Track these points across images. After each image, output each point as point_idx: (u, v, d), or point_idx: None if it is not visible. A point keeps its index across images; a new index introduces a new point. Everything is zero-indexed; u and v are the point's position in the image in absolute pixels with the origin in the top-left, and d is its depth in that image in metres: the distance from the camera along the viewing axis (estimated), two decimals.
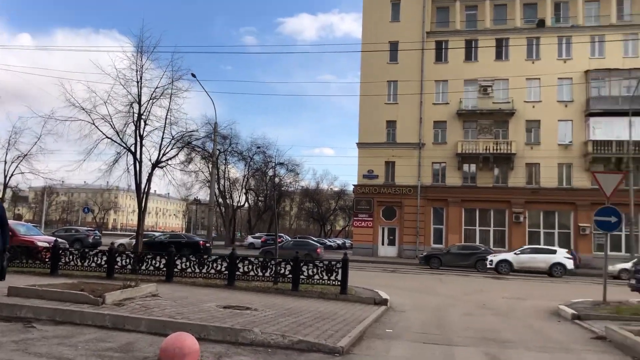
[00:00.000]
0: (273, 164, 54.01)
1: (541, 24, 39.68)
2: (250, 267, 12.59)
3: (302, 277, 12.20)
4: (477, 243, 35.53)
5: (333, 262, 12.21)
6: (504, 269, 27.11)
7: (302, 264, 12.20)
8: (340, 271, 12.03)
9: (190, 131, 15.63)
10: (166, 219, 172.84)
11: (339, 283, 12.00)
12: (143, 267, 13.33)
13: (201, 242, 32.56)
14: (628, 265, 28.22)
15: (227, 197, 61.16)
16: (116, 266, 13.40)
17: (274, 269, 12.45)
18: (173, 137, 15.43)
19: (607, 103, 37.20)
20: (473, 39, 40.78)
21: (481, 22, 40.88)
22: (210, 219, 40.48)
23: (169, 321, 6.95)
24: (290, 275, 12.20)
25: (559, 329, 9.75)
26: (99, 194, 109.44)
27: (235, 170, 62.50)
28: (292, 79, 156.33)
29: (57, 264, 13.37)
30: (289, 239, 50.02)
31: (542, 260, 27.60)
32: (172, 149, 15.55)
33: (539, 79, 39.13)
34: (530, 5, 40.54)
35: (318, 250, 31.84)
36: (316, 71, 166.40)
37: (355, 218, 41.90)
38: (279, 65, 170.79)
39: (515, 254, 28.52)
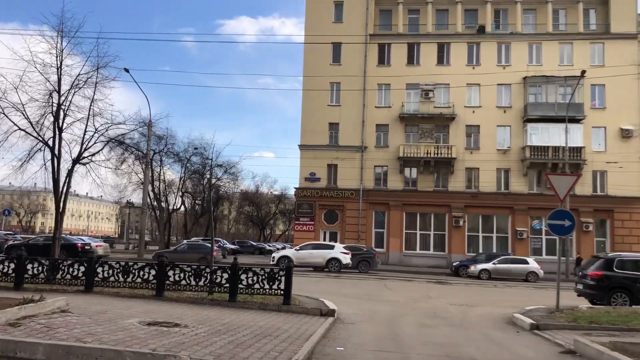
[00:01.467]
0: (210, 166, 51.89)
1: (481, 30, 40.14)
2: (181, 275, 11.24)
3: (240, 286, 10.99)
4: (364, 246, 34.73)
5: (275, 270, 11.06)
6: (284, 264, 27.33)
7: (240, 272, 10.97)
8: (283, 279, 10.90)
9: (117, 123, 13.99)
10: (98, 222, 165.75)
11: (282, 292, 10.87)
12: (59, 276, 11.69)
13: (79, 244, 28.85)
14: (489, 266, 29.69)
15: (163, 200, 58.63)
16: (27, 275, 11.69)
17: (208, 277, 11.16)
18: (97, 129, 13.74)
19: (544, 109, 37.99)
20: (415, 43, 40.72)
21: (423, 27, 40.90)
22: (143, 223, 38.31)
23: (74, 346, 5.61)
24: (227, 285, 10.95)
25: (522, 341, 9.05)
26: (26, 195, 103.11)
27: (171, 173, 60.03)
28: (233, 81, 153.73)
29: None
30: (227, 243, 48.39)
31: (320, 255, 28.10)
32: (95, 142, 13.85)
33: (479, 84, 39.51)
34: (471, 11, 40.97)
35: (215, 253, 30.48)
36: (256, 74, 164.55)
37: (296, 222, 40.83)
38: (219, 68, 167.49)
39: (295, 249, 29.82)
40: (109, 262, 11.62)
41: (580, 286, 15.65)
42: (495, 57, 39.71)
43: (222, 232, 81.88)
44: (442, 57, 40.44)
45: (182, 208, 63.02)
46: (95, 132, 13.76)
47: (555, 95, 38.19)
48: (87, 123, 13.62)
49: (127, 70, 31.00)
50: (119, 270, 11.39)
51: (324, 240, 39.07)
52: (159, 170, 55.29)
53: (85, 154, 13.93)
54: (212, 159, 28.98)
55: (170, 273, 11.24)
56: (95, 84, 13.57)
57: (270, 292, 10.97)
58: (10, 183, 13.98)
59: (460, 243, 38.27)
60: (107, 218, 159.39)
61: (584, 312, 11.52)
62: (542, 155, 37.63)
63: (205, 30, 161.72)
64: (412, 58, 40.70)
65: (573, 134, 35.21)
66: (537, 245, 38.16)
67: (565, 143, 34.04)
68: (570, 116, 34.23)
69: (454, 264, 32.65)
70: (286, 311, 10.46)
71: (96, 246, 33.47)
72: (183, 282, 11.19)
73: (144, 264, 11.51)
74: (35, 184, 15.59)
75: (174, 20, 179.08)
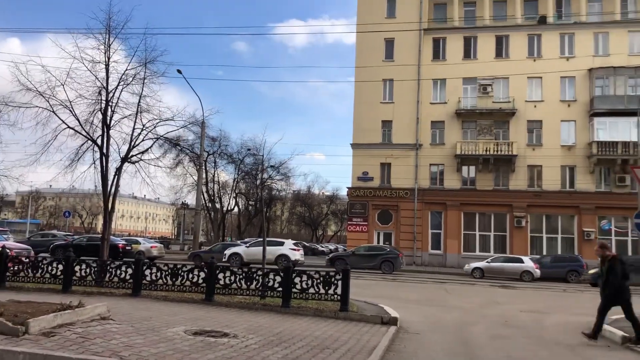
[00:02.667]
0: (261, 164, 51.54)
1: (542, 20, 38.05)
2: (232, 278, 10.59)
3: (294, 290, 10.24)
4: (387, 246, 34.01)
5: (331, 273, 10.24)
6: (236, 262, 27.00)
7: (294, 275, 10.22)
8: (340, 283, 10.07)
9: (166, 119, 13.54)
10: (156, 224, 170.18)
11: (339, 298, 10.03)
12: (106, 278, 11.30)
13: (120, 244, 29.03)
14: (482, 264, 28.75)
15: (217, 201, 59.10)
16: (75, 277, 11.36)
17: (260, 280, 10.46)
18: (144, 126, 13.33)
19: (612, 102, 35.57)
20: (472, 36, 39.07)
21: (480, 19, 39.18)
22: (198, 224, 38.52)
23: None
24: (280, 289, 10.23)
25: (617, 359, 7.86)
26: (88, 198, 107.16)
27: (225, 174, 60.48)
28: (283, 84, 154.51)
29: (4, 275, 11.30)
30: None
31: (269, 252, 26.20)
32: (144, 140, 13.46)
33: (541, 77, 37.47)
34: (531, 1, 38.89)
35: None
36: (307, 76, 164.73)
37: (349, 222, 39.94)
38: (270, 71, 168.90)
39: (246, 247, 29.78)
40: (158, 264, 11.11)
41: None
42: (557, 48, 37.55)
43: (274, 232, 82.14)
44: (500, 50, 38.61)
45: (236, 209, 63.56)
46: (142, 129, 13.34)
47: (625, 87, 35.70)
48: (135, 120, 13.24)
49: (179, 72, 31.07)
50: (167, 272, 10.87)
51: (378, 242, 38.09)
52: (213, 171, 55.94)
53: (134, 152, 13.55)
54: (263, 156, 28.41)
55: (221, 276, 10.62)
56: (143, 80, 13.16)
57: (326, 297, 10.16)
58: (72, 186, 13.74)
59: (522, 244, 36.33)
60: (164, 219, 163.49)
61: None
62: (610, 151, 35.23)
63: (256, 35, 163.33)
64: (468, 52, 39.08)
65: None
66: None
67: (637, 138, 31.69)
68: None
69: None
70: (343, 318, 9.63)
71: (151, 247, 33.88)
72: (234, 285, 10.55)
73: (192, 266, 10.95)
74: (95, 186, 15.45)
75: (226, 24, 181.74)
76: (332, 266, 29.17)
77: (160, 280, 10.92)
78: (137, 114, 13.04)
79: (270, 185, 62.94)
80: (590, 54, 36.83)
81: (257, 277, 10.49)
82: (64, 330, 6.04)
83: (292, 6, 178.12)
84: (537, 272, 27.67)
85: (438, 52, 39.50)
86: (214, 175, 56.44)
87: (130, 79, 12.97)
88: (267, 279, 10.49)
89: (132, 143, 13.15)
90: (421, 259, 37.30)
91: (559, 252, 34.87)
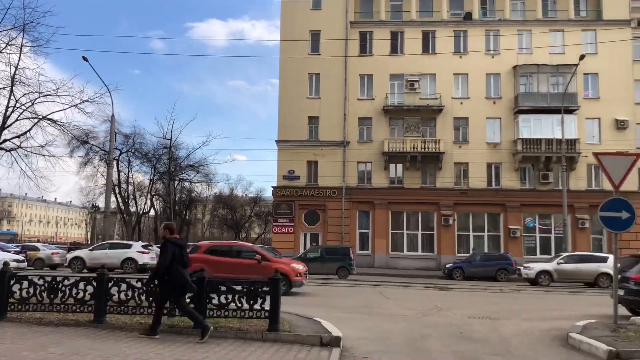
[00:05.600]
0: (171, 153, 48.21)
1: (468, 16, 37.90)
2: (129, 293, 8.28)
3: (210, 306, 8.12)
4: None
5: (257, 284, 8.18)
6: (77, 267, 25.62)
7: (209, 288, 8.09)
8: (268, 297, 8.06)
9: (47, 94, 10.91)
10: (68, 229, 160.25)
11: (267, 314, 8.02)
12: None
13: None
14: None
15: (131, 203, 55.17)
16: None
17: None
18: (18, 100, 10.65)
19: (536, 100, 35.88)
20: (399, 31, 38.26)
21: (407, 14, 38.46)
22: (108, 227, 34.97)
23: None
24: (192, 305, 8.05)
25: None
26: None
27: (141, 174, 56.55)
28: (203, 84, 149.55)
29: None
30: None
31: (115, 255, 26.02)
32: (19, 119, 10.76)
33: (467, 74, 37.30)
34: None
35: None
36: (227, 77, 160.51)
37: (274, 223, 37.88)
38: (189, 71, 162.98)
39: (89, 250, 27.77)
40: (30, 277, 8.59)
41: (619, 291, 13.13)
42: (483, 45, 37.51)
43: (195, 235, 78.63)
44: (427, 46, 38.06)
45: (152, 211, 59.73)
46: (16, 106, 10.67)
47: (547, 84, 36.16)
48: (10, 96, 10.54)
49: (85, 59, 27.87)
50: (43, 287, 8.38)
51: (305, 243, 36.34)
52: (127, 171, 52.04)
53: (9, 136, 10.82)
54: (170, 141, 25.69)
55: (115, 290, 8.29)
56: (21, 47, 10.53)
57: (250, 313, 8.11)
58: None
59: (450, 243, 35.88)
60: (76, 224, 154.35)
61: None
62: (534, 148, 35.49)
63: (174, 33, 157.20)
64: (395, 47, 38.24)
65: (566, 125, 33.02)
66: (530, 244, 36.01)
67: (561, 135, 32.04)
68: (564, 107, 32.19)
69: (447, 266, 30.06)
70: (273, 340, 7.64)
71: (52, 254, 30.30)
72: (131, 302, 8.25)
73: (78, 278, 8.53)
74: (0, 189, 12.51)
75: (142, 23, 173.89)
76: None
77: (34, 298, 8.40)
78: (12, 87, 10.39)
79: (190, 188, 59.84)
80: (514, 51, 37.05)
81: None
82: None
83: (211, 5, 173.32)
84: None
85: (365, 47, 38.38)
86: (127, 176, 52.66)
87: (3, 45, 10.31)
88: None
89: (4, 123, 10.44)
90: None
91: (486, 250, 34.61)
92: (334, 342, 7.64)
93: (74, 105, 12.68)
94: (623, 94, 35.96)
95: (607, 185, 34.79)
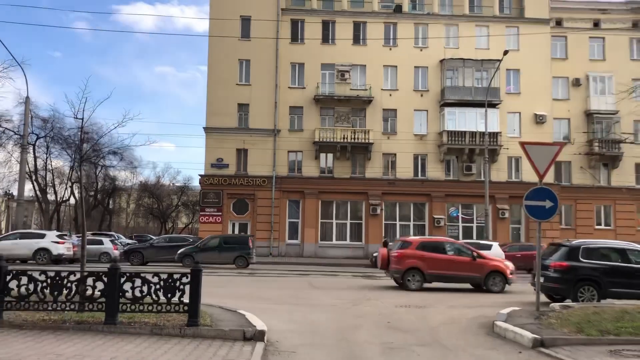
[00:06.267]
0: (100, 150, 45.86)
1: (398, 9, 38.24)
2: (31, 286, 7.49)
3: (124, 300, 7.49)
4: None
5: (176, 276, 7.61)
6: None
7: (123, 280, 7.46)
8: (187, 288, 7.53)
9: None
10: None
11: (186, 308, 7.49)
12: None
13: None
14: None
15: (49, 191, 52.01)
16: None
17: (73, 288, 7.51)
18: None
19: (461, 93, 36.82)
20: (330, 21, 38.04)
21: (338, 3, 38.28)
22: (19, 216, 32.62)
23: None
24: (103, 299, 7.40)
25: None
26: None
27: (61, 161, 53.27)
28: (129, 70, 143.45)
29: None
30: (121, 237, 43.37)
31: (26, 245, 24.86)
32: None
33: (396, 66, 37.68)
34: None
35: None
36: (154, 62, 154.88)
37: (202, 213, 36.81)
38: (115, 55, 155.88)
39: None
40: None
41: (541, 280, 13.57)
42: (412, 38, 37.98)
43: (119, 225, 75.66)
44: (358, 37, 38.08)
45: (72, 200, 56.70)
46: None
47: (472, 79, 37.17)
48: None
49: None
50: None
51: (234, 232, 35.58)
52: (45, 157, 48.96)
53: None
54: (83, 120, 23.99)
55: (14, 285, 7.47)
56: None
57: (168, 307, 7.54)
58: None
59: (377, 232, 36.24)
60: None
61: (573, 313, 9.24)
62: (459, 140, 36.43)
63: (99, 15, 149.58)
64: (327, 36, 38.00)
65: (489, 119, 34.05)
66: (453, 233, 36.96)
67: (484, 128, 33.07)
68: (488, 101, 33.26)
69: (374, 254, 30.31)
70: (192, 336, 7.15)
71: None
72: (33, 297, 7.46)
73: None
74: None
75: (65, 2, 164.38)
76: (127, 260, 26.88)
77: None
78: None
79: (114, 176, 57.26)
80: (441, 45, 37.73)
81: (68, 284, 7.50)
82: None
83: None
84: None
85: (296, 35, 37.88)
86: (45, 162, 49.57)
87: None
88: (84, 286, 7.58)
89: None
90: (278, 250, 35.60)
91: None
92: (258, 336, 7.26)
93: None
94: (542, 89, 37.61)
95: (526, 177, 36.47)
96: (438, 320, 10.02)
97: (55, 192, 53.54)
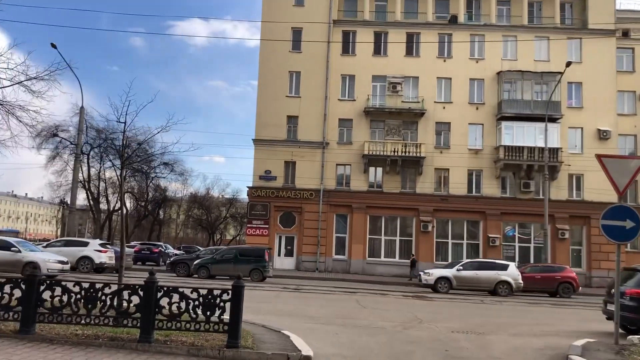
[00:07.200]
0: (155, 164, 46.80)
1: (453, 20, 37.22)
2: (65, 297, 7.04)
3: (160, 316, 6.92)
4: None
5: (216, 292, 6.98)
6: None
7: (160, 295, 6.91)
8: (228, 306, 6.89)
9: None
10: (38, 225, 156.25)
11: (226, 327, 6.85)
12: None
13: None
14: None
15: (102, 201, 53.22)
16: None
17: (108, 301, 7.01)
18: None
19: (519, 107, 35.28)
20: (382, 32, 37.39)
21: (391, 14, 37.61)
22: (72, 223, 33.35)
23: None
24: (137, 314, 6.86)
25: None
26: None
27: (113, 171, 54.52)
28: (182, 83, 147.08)
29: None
30: (169, 247, 43.71)
31: (70, 254, 23.34)
32: None
33: (451, 78, 36.57)
34: None
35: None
36: (207, 77, 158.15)
37: (249, 225, 36.53)
38: (169, 70, 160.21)
39: (42, 247, 24.40)
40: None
41: (611, 307, 12.27)
42: (467, 49, 36.81)
43: (170, 236, 76.81)
44: (411, 48, 37.25)
45: (124, 209, 57.84)
46: None
47: (531, 92, 35.61)
48: None
49: (54, 46, 26.40)
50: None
51: (280, 245, 35.18)
52: (98, 167, 50.17)
53: None
54: (124, 128, 24.03)
55: (47, 295, 7.04)
56: None
57: (207, 326, 6.91)
58: None
59: (428, 250, 34.99)
60: (47, 220, 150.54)
61: None
62: (516, 156, 34.82)
63: (155, 30, 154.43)
64: (378, 48, 37.35)
65: (549, 134, 32.44)
66: (509, 254, 35.24)
67: (543, 143, 31.77)
68: (548, 115, 31.66)
69: (420, 273, 28.85)
70: (232, 359, 6.48)
71: None
72: (66, 310, 7.00)
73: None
74: None
75: (123, 19, 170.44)
76: (172, 271, 26.50)
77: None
78: None
79: (165, 187, 58.23)
80: (498, 57, 36.43)
81: (103, 297, 7.00)
82: None
83: (193, 4, 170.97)
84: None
85: (348, 46, 37.41)
86: (99, 172, 50.80)
87: None
88: (120, 300, 7.08)
89: None
90: (325, 265, 34.85)
91: (464, 258, 33.78)
92: None
93: (19, 83, 11.51)
94: (606, 104, 35.62)
95: (588, 196, 34.52)
96: (501, 350, 9.01)
97: (108, 202, 54.76)
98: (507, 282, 23.36)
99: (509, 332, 11.44)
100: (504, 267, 24.08)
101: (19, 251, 19.52)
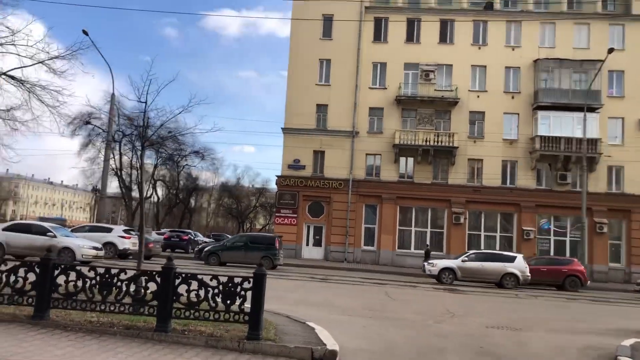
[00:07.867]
0: (186, 153, 46.97)
1: (489, 6, 36.09)
2: (79, 283, 6.77)
3: (177, 305, 6.60)
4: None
5: (237, 280, 6.61)
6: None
7: (178, 282, 6.58)
8: (249, 295, 6.52)
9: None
10: (73, 212, 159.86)
11: (246, 318, 6.48)
12: None
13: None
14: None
15: (133, 188, 53.90)
16: None
17: (124, 288, 6.72)
18: None
19: (557, 96, 34.04)
20: (415, 19, 36.48)
21: (425, 1, 36.70)
22: (103, 209, 33.70)
23: None
24: (154, 302, 6.55)
25: None
26: None
27: (147, 160, 55.16)
28: (213, 74, 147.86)
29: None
30: (199, 235, 43.90)
31: (93, 239, 22.16)
32: None
33: (485, 66, 35.52)
34: None
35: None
36: (238, 67, 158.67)
37: (277, 214, 36.35)
38: (200, 60, 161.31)
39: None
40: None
41: None
42: (503, 37, 35.69)
43: (200, 224, 77.47)
44: (444, 35, 36.28)
45: (155, 197, 58.54)
46: None
47: (570, 80, 34.30)
48: None
49: (85, 33, 26.45)
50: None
51: (308, 235, 34.90)
52: (130, 155, 50.76)
53: None
54: (145, 108, 23.71)
55: (61, 280, 6.79)
56: None
57: (227, 316, 6.55)
58: None
59: (460, 242, 34.21)
60: (81, 207, 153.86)
61: None
62: (553, 146, 33.65)
63: (187, 21, 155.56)
64: (411, 35, 36.48)
65: (588, 124, 31.10)
66: (544, 247, 34.25)
67: (581, 134, 30.57)
68: (587, 104, 30.39)
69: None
70: (252, 351, 6.12)
71: None
72: (81, 295, 6.74)
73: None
74: (7, 170, 11.00)
75: (154, 12, 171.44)
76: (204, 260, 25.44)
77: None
78: None
79: (196, 175, 58.71)
80: (536, 44, 35.18)
81: (118, 283, 6.71)
82: None
83: None
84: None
85: (379, 34, 36.65)
86: (131, 160, 51.39)
87: None
88: (137, 286, 6.79)
89: None
90: (353, 256, 34.43)
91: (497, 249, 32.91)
92: (329, 356, 6.11)
93: (42, 62, 11.41)
94: None
95: (629, 189, 33.17)
96: (540, 348, 8.45)
97: (140, 190, 55.45)
98: (513, 274, 22.60)
99: (544, 328, 10.81)
100: (511, 259, 23.31)
101: (55, 236, 19.62)
